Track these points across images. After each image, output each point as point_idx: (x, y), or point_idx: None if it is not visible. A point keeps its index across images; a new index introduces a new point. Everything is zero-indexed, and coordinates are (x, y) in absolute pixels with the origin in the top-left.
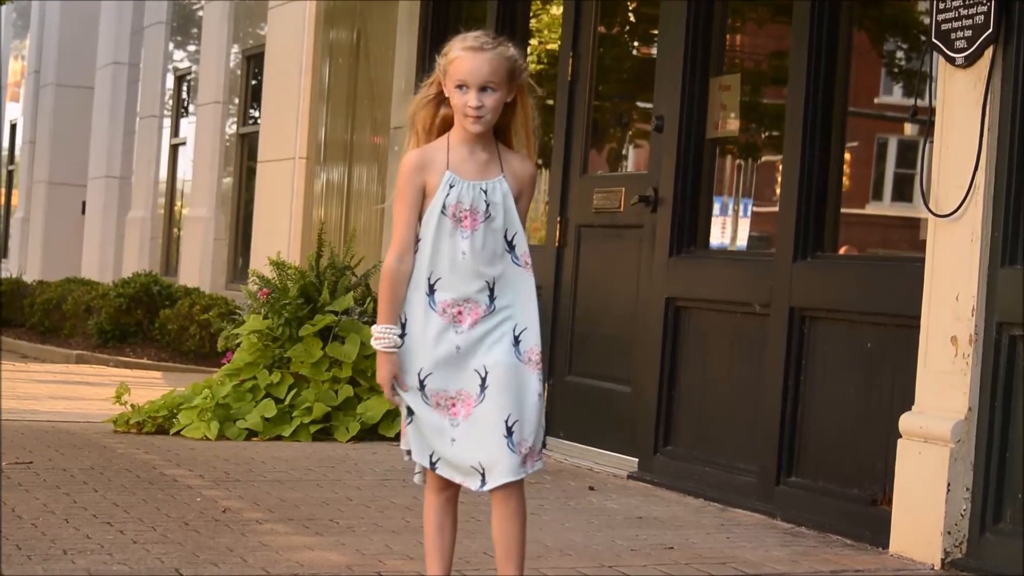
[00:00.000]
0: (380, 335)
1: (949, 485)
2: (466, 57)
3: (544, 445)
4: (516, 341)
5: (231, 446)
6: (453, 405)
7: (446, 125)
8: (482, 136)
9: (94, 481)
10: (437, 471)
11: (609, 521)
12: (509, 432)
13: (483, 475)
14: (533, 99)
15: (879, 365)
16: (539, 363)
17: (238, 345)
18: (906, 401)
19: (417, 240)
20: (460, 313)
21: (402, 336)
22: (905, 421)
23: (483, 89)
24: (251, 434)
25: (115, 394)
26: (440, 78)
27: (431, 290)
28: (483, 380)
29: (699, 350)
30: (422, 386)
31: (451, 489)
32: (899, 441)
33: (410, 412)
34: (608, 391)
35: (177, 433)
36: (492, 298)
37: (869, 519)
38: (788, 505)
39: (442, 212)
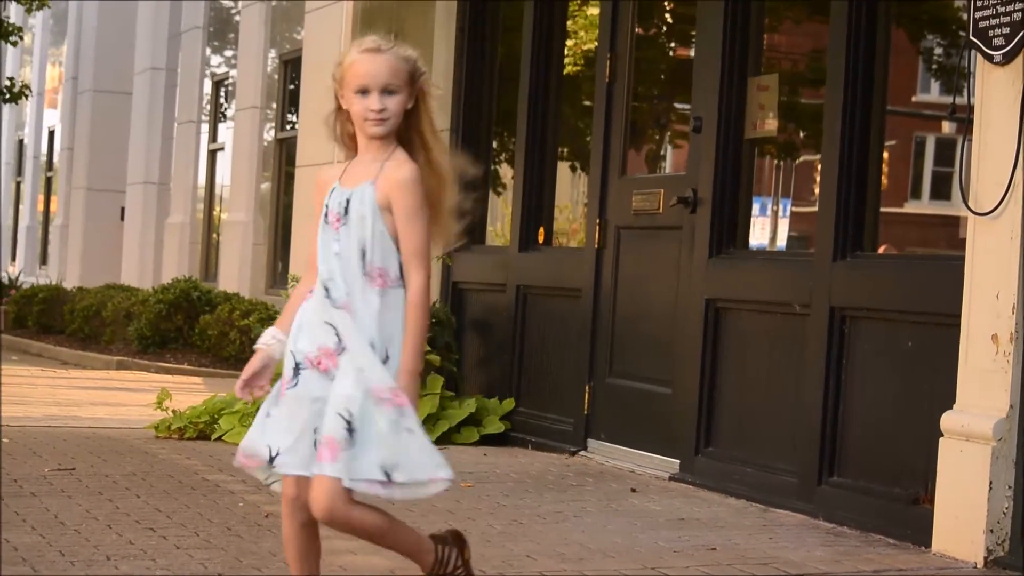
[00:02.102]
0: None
1: (991, 483)
2: (364, 59)
3: (585, 447)
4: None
5: None
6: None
7: (351, 140)
8: (385, 144)
9: (136, 487)
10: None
11: (651, 523)
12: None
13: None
14: (433, 102)
15: (919, 364)
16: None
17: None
18: (947, 400)
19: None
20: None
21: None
22: (946, 420)
23: (385, 92)
24: None
25: (156, 400)
26: (336, 90)
27: (325, 292)
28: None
29: (739, 351)
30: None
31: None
32: (940, 440)
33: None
34: (648, 393)
35: (218, 438)
36: (327, 296)
37: (911, 518)
38: (830, 505)
39: (324, 218)
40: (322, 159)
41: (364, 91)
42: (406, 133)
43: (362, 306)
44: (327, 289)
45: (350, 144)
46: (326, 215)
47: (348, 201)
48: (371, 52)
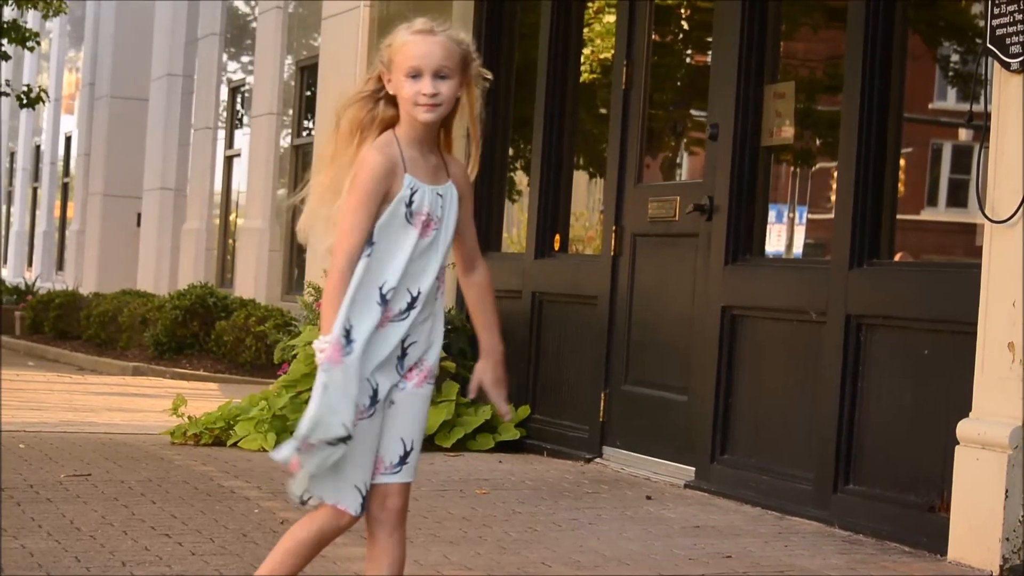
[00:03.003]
0: (324, 347)
1: (1007, 491)
2: (417, 41)
3: (601, 454)
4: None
5: None
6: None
7: (379, 127)
8: (429, 134)
9: (152, 493)
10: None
11: (667, 530)
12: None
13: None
14: (479, 93)
15: (935, 372)
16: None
17: (294, 356)
18: (963, 407)
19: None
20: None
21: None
22: (962, 427)
23: (437, 75)
24: None
25: (172, 406)
26: (382, 71)
27: (383, 300)
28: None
29: (755, 358)
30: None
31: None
32: (956, 448)
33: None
34: (665, 400)
35: (234, 445)
36: (410, 304)
37: (927, 526)
38: (845, 513)
39: (406, 219)
40: None
41: (416, 74)
42: (446, 121)
43: (438, 314)
44: (412, 301)
45: (369, 130)
46: (409, 215)
47: (442, 198)
48: (424, 33)
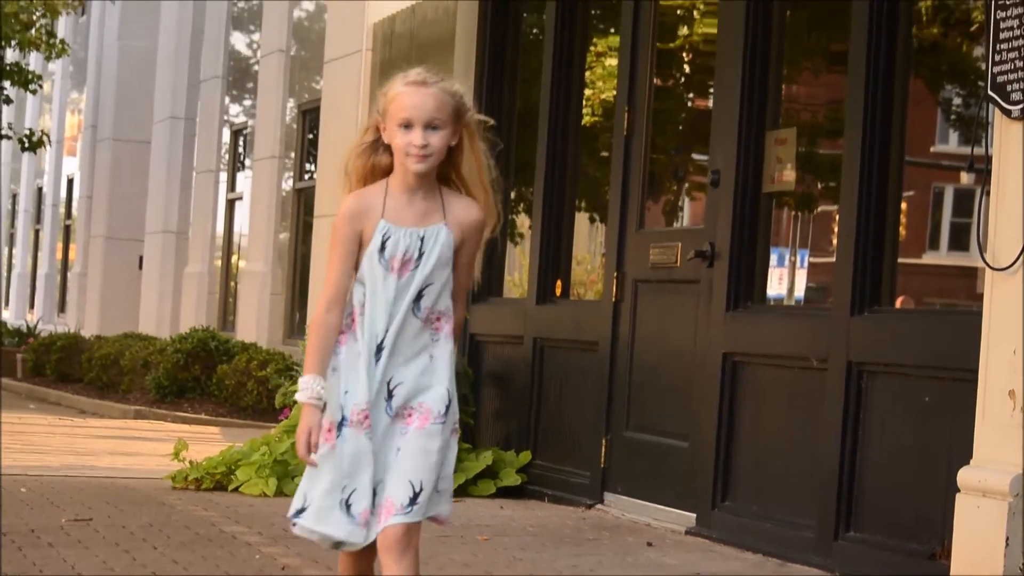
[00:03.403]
0: (305, 386)
1: (1008, 539)
2: (409, 92)
3: (602, 500)
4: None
5: (289, 502)
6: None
7: (379, 173)
8: (424, 181)
9: (153, 538)
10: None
11: None
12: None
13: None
14: (483, 142)
15: (937, 419)
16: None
17: (295, 401)
18: (964, 455)
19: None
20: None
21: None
22: (963, 475)
23: (428, 127)
24: None
25: (173, 450)
26: (379, 120)
27: (378, 348)
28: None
29: (757, 405)
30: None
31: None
32: (957, 495)
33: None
34: (666, 446)
35: (235, 489)
36: (379, 347)
37: (928, 573)
38: (846, 560)
39: (378, 261)
40: None
41: (407, 125)
42: (445, 170)
43: (430, 353)
44: (390, 342)
45: (372, 177)
46: (383, 260)
47: (422, 240)
48: (416, 85)
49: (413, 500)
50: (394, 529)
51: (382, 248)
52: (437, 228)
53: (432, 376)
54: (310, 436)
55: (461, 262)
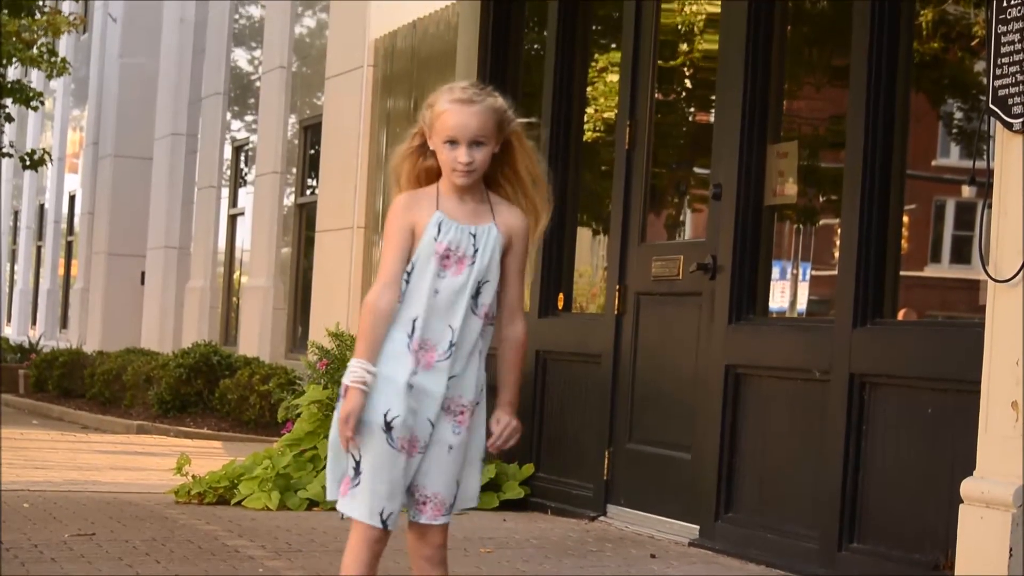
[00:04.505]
0: (354, 369)
1: (1011, 550)
2: (455, 111)
3: (605, 513)
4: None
5: (292, 516)
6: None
7: (430, 176)
8: (472, 186)
9: (156, 552)
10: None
11: None
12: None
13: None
14: (531, 143)
15: (940, 430)
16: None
17: (298, 415)
18: (967, 466)
19: (407, 279)
20: (423, 352)
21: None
22: (967, 486)
23: (473, 143)
24: (312, 504)
25: (176, 465)
26: (425, 130)
27: (412, 330)
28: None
29: (759, 417)
30: (388, 428)
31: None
32: (961, 506)
33: (356, 472)
34: (669, 458)
35: (238, 503)
36: (451, 344)
37: None
38: (850, 571)
39: (431, 252)
40: (342, 224)
41: (453, 142)
42: (493, 175)
43: (479, 349)
44: (449, 339)
45: (421, 181)
46: (440, 253)
47: (475, 237)
48: (462, 103)
49: (454, 502)
50: (437, 537)
51: (436, 236)
52: (488, 227)
53: (481, 374)
54: (349, 421)
55: (512, 269)
